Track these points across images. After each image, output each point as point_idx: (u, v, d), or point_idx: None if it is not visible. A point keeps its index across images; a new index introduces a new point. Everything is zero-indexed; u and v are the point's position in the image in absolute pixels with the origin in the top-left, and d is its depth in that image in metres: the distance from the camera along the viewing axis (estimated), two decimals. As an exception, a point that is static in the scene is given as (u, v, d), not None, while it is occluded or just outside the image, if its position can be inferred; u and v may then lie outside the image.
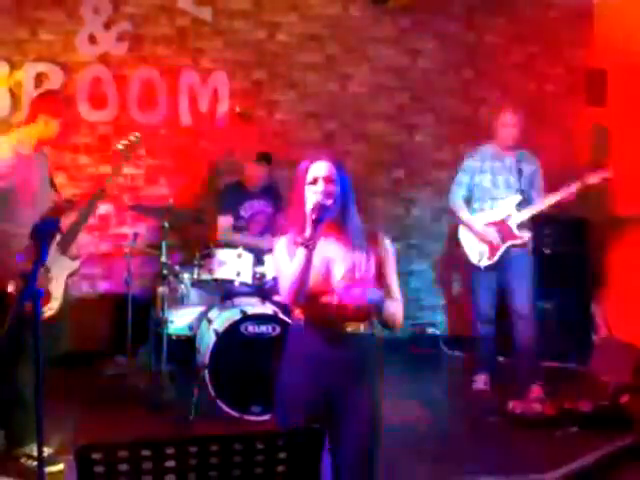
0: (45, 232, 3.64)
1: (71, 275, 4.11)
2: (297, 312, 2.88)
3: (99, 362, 5.49)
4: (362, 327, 2.82)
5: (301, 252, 2.70)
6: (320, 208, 2.68)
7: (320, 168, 2.78)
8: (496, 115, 5.29)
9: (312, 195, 2.75)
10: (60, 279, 4.01)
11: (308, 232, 2.69)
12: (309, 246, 2.68)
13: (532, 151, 5.32)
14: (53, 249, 3.94)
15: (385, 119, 6.39)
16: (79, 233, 4.08)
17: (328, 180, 2.76)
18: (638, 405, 4.82)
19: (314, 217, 2.68)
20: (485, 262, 5.24)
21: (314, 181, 2.77)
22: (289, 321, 4.56)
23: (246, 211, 5.49)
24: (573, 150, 6.60)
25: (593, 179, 5.14)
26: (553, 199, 5.13)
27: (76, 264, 4.11)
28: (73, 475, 1.98)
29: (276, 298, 5.02)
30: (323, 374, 2.80)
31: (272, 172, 5.55)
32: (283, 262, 2.80)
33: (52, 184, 4.20)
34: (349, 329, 2.80)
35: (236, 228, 5.44)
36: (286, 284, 2.75)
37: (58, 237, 3.96)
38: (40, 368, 3.84)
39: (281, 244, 2.85)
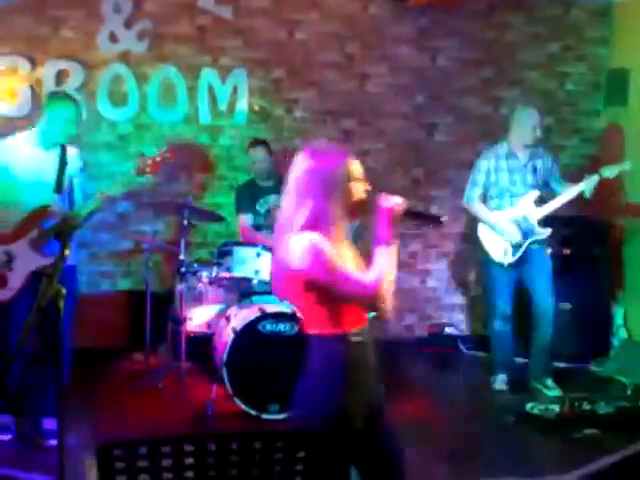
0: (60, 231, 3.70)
1: (39, 272, 3.97)
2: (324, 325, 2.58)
3: (117, 359, 5.53)
4: None
5: (384, 251, 2.57)
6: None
7: (359, 168, 2.64)
8: (512, 112, 5.29)
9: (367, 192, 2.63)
10: (23, 271, 4.09)
11: (387, 230, 2.60)
12: (392, 244, 2.60)
13: (549, 149, 5.30)
14: (23, 243, 4.10)
15: (404, 118, 6.37)
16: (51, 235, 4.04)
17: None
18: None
19: (397, 215, 2.62)
20: (508, 259, 5.23)
21: (359, 179, 2.63)
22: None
23: (262, 206, 5.48)
24: (592, 150, 6.58)
25: (611, 172, 5.13)
26: (572, 193, 5.13)
27: (45, 261, 4.02)
28: (94, 471, 2.01)
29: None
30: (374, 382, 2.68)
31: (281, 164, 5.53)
32: (341, 263, 2.52)
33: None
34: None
35: (256, 227, 5.44)
36: (373, 280, 2.52)
37: (35, 233, 4.11)
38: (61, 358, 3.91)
39: (323, 244, 2.51)
